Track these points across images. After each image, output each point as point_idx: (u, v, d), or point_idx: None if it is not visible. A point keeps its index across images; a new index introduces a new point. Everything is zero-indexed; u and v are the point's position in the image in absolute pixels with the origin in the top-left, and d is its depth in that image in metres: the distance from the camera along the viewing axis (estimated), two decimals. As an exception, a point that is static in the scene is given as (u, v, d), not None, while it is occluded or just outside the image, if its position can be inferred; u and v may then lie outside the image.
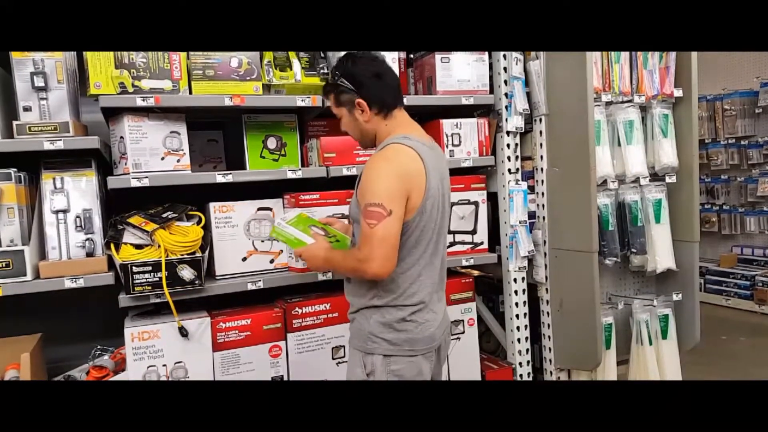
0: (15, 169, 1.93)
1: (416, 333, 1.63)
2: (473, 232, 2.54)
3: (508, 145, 2.54)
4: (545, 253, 2.56)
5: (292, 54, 2.26)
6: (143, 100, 1.98)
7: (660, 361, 2.60)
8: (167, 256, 1.97)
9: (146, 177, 2.00)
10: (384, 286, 1.63)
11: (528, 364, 2.64)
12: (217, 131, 2.64)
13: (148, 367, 2.02)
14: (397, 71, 2.34)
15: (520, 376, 2.62)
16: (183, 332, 2.03)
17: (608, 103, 2.51)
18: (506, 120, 2.52)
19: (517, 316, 2.60)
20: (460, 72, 2.49)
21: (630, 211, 2.55)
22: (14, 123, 1.89)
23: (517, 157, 2.57)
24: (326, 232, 1.83)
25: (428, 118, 2.51)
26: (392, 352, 1.62)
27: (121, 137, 2.03)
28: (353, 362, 1.70)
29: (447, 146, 2.49)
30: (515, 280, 2.58)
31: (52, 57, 1.94)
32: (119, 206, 2.15)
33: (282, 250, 2.28)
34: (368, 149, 1.77)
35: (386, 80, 1.65)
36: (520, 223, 2.52)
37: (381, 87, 1.64)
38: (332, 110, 1.74)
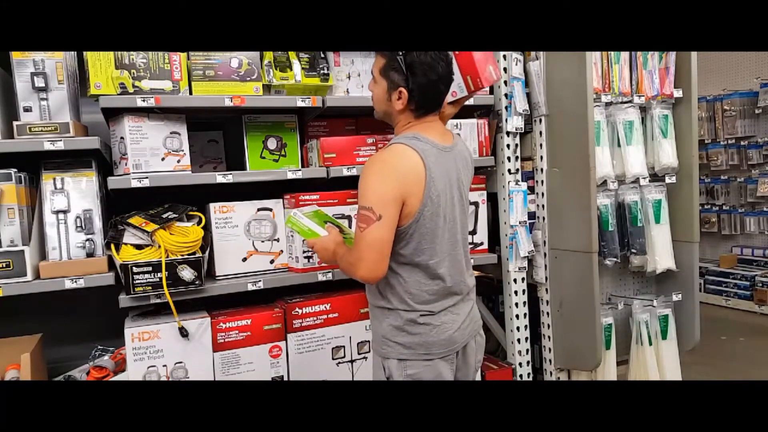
0: (15, 170, 1.93)
1: (431, 336, 1.59)
2: (473, 232, 2.54)
3: (508, 146, 2.55)
4: (545, 254, 2.56)
5: (292, 54, 2.27)
6: (143, 101, 1.98)
7: (660, 362, 2.61)
8: (167, 257, 1.97)
9: (146, 177, 2.00)
10: (393, 289, 1.60)
11: (528, 365, 2.64)
12: (217, 132, 2.64)
13: (148, 368, 2.02)
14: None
15: (520, 376, 2.62)
16: (183, 332, 2.04)
17: (608, 104, 2.51)
18: (506, 120, 2.52)
19: (517, 316, 2.60)
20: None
21: (630, 211, 2.56)
22: (14, 123, 1.89)
23: (517, 157, 2.57)
24: (341, 229, 1.85)
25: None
26: (407, 356, 1.59)
27: (122, 138, 2.03)
28: (375, 365, 1.68)
29: (447, 146, 2.48)
30: (515, 280, 2.59)
31: (53, 57, 1.94)
32: (119, 207, 2.15)
33: (282, 251, 2.28)
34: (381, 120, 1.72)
35: (440, 86, 1.58)
36: (520, 223, 2.53)
37: (430, 92, 1.57)
38: (372, 71, 1.66)
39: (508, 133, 2.54)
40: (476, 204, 2.52)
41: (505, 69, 2.52)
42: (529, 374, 2.64)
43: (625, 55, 2.53)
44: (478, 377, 2.53)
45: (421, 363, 1.59)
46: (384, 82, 1.60)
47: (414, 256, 1.57)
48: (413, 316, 1.59)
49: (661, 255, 2.59)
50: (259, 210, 2.24)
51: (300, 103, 2.21)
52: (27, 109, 1.93)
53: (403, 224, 1.54)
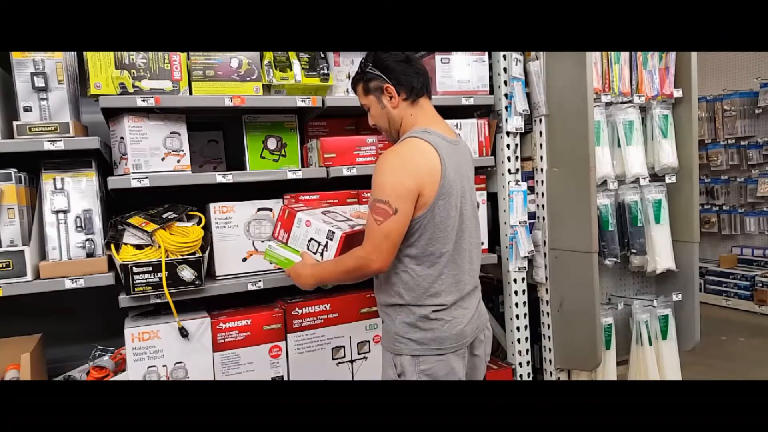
0: (15, 170, 1.93)
1: (443, 331, 1.62)
2: (473, 232, 2.54)
3: (508, 146, 2.55)
4: (545, 254, 2.56)
5: (292, 54, 2.27)
6: (143, 101, 1.98)
7: (660, 362, 2.60)
8: (167, 257, 1.97)
9: (146, 177, 2.00)
10: (405, 284, 1.62)
11: (528, 365, 2.64)
12: (217, 132, 2.64)
13: (148, 368, 2.02)
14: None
15: (520, 376, 2.62)
16: (183, 333, 2.04)
17: (608, 104, 2.51)
18: (506, 120, 2.52)
19: (517, 316, 2.60)
20: (460, 72, 2.49)
21: (630, 211, 2.56)
22: (14, 123, 1.89)
23: (517, 157, 2.57)
24: None
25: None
26: (420, 351, 1.61)
27: (122, 138, 2.03)
28: (385, 362, 1.70)
29: (447, 147, 2.48)
30: (515, 280, 2.58)
31: (53, 57, 1.94)
32: (119, 207, 2.15)
33: (282, 251, 2.28)
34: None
35: (415, 65, 1.67)
36: (520, 223, 2.53)
37: (409, 71, 1.65)
38: (360, 102, 1.74)
39: (508, 133, 2.54)
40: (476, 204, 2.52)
41: (505, 69, 2.52)
42: (529, 374, 2.64)
43: (625, 55, 2.53)
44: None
45: (434, 358, 1.61)
46: (373, 98, 1.69)
47: (428, 246, 1.59)
48: (425, 312, 1.61)
49: (661, 255, 2.59)
50: (259, 210, 2.24)
51: (300, 103, 2.21)
52: (27, 109, 1.93)
53: (417, 215, 1.56)
